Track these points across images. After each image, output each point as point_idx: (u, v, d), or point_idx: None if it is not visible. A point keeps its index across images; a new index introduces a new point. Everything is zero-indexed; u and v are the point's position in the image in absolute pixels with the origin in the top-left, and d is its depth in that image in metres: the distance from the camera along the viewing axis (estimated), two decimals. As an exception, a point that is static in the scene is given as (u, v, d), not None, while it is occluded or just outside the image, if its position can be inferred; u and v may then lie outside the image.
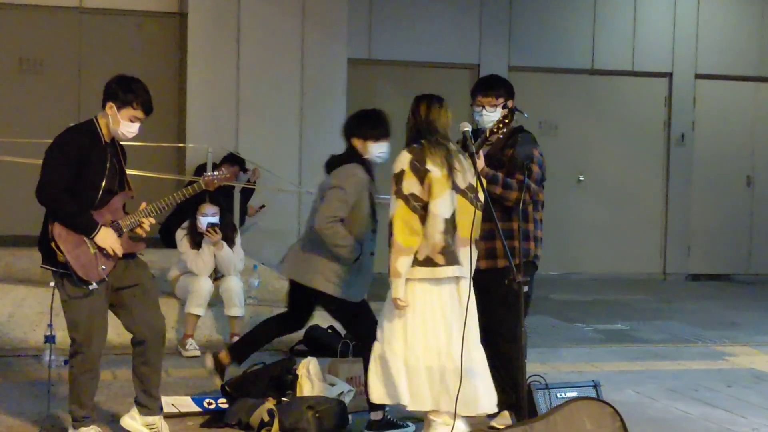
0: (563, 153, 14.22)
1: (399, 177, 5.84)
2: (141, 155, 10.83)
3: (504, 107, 6.73)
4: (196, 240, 8.98)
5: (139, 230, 5.99)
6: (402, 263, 5.77)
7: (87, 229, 5.78)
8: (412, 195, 5.80)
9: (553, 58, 14.70)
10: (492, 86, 6.82)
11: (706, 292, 14.23)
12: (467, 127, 5.98)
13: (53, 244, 5.76)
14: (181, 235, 9.05)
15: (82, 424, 5.96)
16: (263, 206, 11.71)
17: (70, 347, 5.97)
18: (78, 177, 5.77)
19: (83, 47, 12.30)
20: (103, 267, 5.83)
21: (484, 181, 6.09)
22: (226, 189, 10.36)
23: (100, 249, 5.81)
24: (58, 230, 5.76)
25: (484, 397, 5.91)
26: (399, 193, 5.81)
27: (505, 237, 5.95)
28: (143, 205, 6.00)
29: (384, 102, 14.09)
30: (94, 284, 5.81)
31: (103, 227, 5.81)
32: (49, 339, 7.59)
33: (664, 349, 9.86)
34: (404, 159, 5.89)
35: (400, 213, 5.80)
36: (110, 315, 6.06)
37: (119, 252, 5.86)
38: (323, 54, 12.26)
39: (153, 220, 6.02)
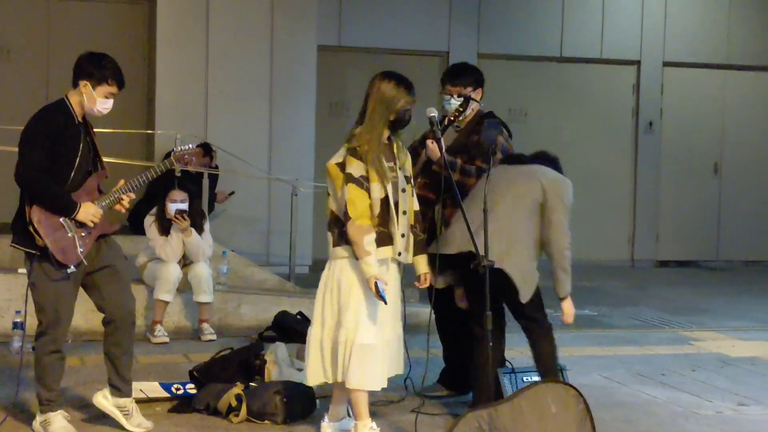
0: (532, 140, 13.92)
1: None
2: (110, 142, 10.80)
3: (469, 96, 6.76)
4: (165, 226, 8.95)
5: (119, 206, 6.00)
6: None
7: (68, 209, 5.77)
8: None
9: (523, 46, 14.75)
10: (460, 74, 6.85)
11: (674, 279, 14.33)
12: (433, 113, 6.00)
13: (31, 229, 5.74)
14: (149, 222, 9.03)
15: (49, 408, 5.92)
16: (233, 192, 11.70)
17: (36, 328, 5.93)
18: (53, 155, 5.75)
19: (52, 34, 12.23)
20: (81, 249, 5.82)
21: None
22: (195, 176, 10.35)
23: (78, 230, 5.81)
24: (37, 215, 5.73)
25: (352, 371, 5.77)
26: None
27: None
28: (121, 182, 5.99)
29: (354, 89, 14.17)
30: (72, 267, 5.80)
31: (83, 204, 5.81)
32: (19, 325, 7.58)
33: (632, 334, 9.91)
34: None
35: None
36: (78, 299, 6.03)
37: (99, 218, 5.86)
38: (293, 41, 12.23)
39: (133, 195, 6.04)
